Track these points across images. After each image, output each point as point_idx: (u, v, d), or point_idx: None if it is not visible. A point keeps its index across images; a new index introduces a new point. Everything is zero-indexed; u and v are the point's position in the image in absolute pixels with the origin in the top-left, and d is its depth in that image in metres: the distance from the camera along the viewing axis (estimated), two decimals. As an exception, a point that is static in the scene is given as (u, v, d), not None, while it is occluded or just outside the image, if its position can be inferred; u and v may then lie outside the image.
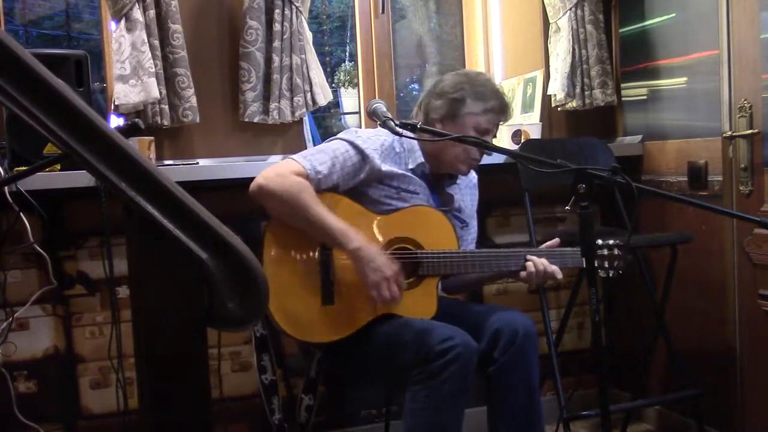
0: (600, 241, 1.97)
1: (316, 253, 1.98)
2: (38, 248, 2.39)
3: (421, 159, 2.11)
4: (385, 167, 2.05)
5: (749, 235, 2.46)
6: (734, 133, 2.48)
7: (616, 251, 1.98)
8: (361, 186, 2.05)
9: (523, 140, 2.82)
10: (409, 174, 2.09)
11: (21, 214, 2.31)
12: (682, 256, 2.59)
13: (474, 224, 2.31)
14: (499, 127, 2.19)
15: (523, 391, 1.99)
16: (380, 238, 2.02)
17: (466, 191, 2.28)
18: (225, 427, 2.63)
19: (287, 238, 1.97)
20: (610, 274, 1.97)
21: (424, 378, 1.82)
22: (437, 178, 2.17)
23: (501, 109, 2.11)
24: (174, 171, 2.39)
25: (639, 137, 2.94)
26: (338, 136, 2.10)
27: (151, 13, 2.51)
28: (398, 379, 1.88)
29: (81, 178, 2.23)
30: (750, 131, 2.43)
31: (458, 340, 1.82)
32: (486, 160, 2.67)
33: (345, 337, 1.98)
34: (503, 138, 2.89)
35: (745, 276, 2.49)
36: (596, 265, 1.95)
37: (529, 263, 2.03)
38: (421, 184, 2.11)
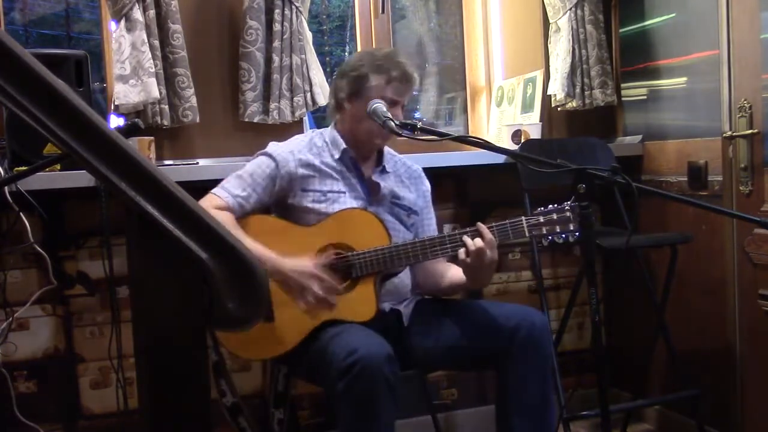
0: (540, 208, 1.95)
1: None
2: (38, 248, 2.38)
3: (344, 145, 2.14)
4: (302, 162, 2.10)
5: (749, 235, 2.46)
6: (734, 133, 2.48)
7: (568, 214, 1.92)
8: (288, 198, 2.10)
9: (523, 140, 2.81)
10: (329, 169, 2.11)
11: (21, 214, 2.31)
12: (682, 256, 2.59)
13: (429, 215, 2.30)
14: (408, 95, 2.15)
15: (538, 382, 1.99)
16: (311, 249, 2.02)
17: (405, 182, 2.26)
18: (224, 426, 2.63)
19: None
20: (570, 239, 1.92)
21: (338, 395, 1.79)
22: (364, 166, 2.18)
23: (404, 77, 2.10)
24: (174, 171, 2.39)
25: (639, 137, 2.94)
26: (259, 152, 2.18)
27: (151, 13, 2.51)
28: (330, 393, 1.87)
29: (81, 178, 2.23)
30: (750, 131, 2.43)
31: (362, 353, 1.77)
32: (486, 159, 2.68)
33: (292, 348, 2.00)
34: (503, 138, 2.90)
35: (745, 276, 2.49)
36: (545, 232, 1.94)
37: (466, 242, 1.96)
38: (345, 175, 2.13)
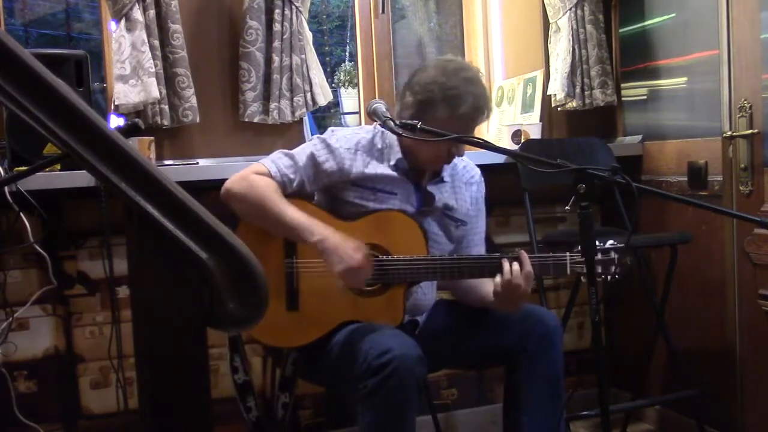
0: (598, 244, 1.91)
1: (281, 261, 1.98)
2: (38, 248, 2.38)
3: (399, 155, 2.03)
4: (357, 166, 2.00)
5: (749, 235, 2.46)
6: (734, 133, 2.48)
7: (612, 255, 1.94)
8: (333, 188, 2.03)
9: (523, 140, 2.82)
10: (388, 172, 2.02)
11: (21, 214, 2.31)
12: (682, 256, 2.59)
13: (479, 223, 2.20)
14: (476, 127, 2.06)
15: (550, 383, 1.99)
16: None
17: (462, 188, 2.15)
18: (225, 426, 2.63)
19: (252, 246, 1.94)
20: (608, 279, 1.93)
21: (366, 394, 1.77)
22: (419, 175, 2.08)
23: (476, 112, 1.95)
24: (174, 171, 2.39)
25: (639, 137, 2.94)
26: (317, 135, 2.08)
27: (151, 13, 2.51)
28: (353, 391, 1.83)
29: (81, 178, 2.23)
30: (750, 131, 2.43)
31: (396, 353, 1.74)
32: (486, 159, 2.68)
33: (310, 342, 1.98)
34: (503, 138, 2.90)
35: (745, 276, 2.49)
36: (577, 272, 1.93)
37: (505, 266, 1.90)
38: (401, 183, 2.04)
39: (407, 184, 2.05)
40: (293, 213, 1.92)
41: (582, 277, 1.92)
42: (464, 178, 2.17)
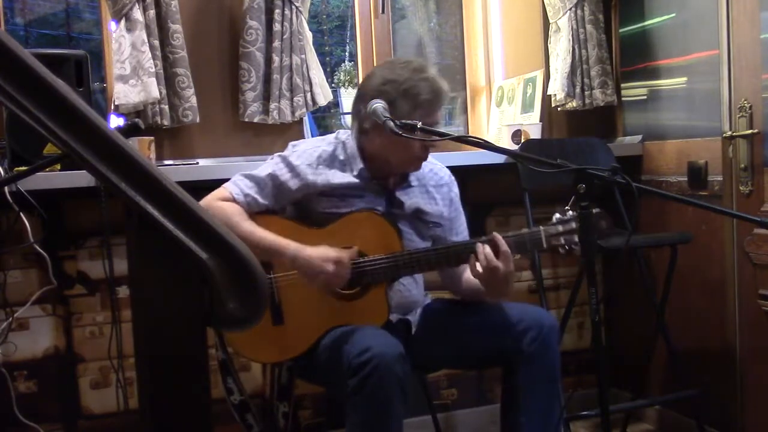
0: (557, 216, 1.90)
1: None
2: (38, 248, 2.38)
3: (362, 165, 2.02)
4: (322, 180, 2.00)
5: (749, 235, 2.46)
6: (734, 133, 2.48)
7: (573, 224, 1.88)
8: (302, 200, 2.03)
9: (523, 140, 2.82)
10: (354, 181, 2.02)
11: (21, 214, 2.31)
12: (682, 256, 2.59)
13: (458, 222, 2.19)
14: (440, 110, 2.01)
15: (547, 384, 1.99)
16: None
17: (432, 191, 2.13)
18: (225, 426, 2.63)
19: None
20: (568, 249, 1.90)
21: (350, 394, 1.77)
22: (382, 185, 2.06)
23: (434, 95, 1.94)
24: (174, 171, 2.39)
25: (639, 137, 2.94)
26: (277, 154, 2.07)
27: (151, 13, 2.51)
28: (342, 392, 1.84)
29: (81, 178, 2.23)
30: (750, 131, 2.43)
31: (375, 351, 1.75)
32: (486, 159, 2.68)
33: (300, 354, 1.99)
34: (503, 138, 2.90)
35: (745, 276, 2.49)
36: (563, 241, 1.91)
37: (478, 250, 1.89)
38: (367, 189, 2.03)
39: (371, 190, 2.04)
40: (260, 234, 1.93)
41: (560, 249, 1.91)
42: (432, 181, 2.15)
